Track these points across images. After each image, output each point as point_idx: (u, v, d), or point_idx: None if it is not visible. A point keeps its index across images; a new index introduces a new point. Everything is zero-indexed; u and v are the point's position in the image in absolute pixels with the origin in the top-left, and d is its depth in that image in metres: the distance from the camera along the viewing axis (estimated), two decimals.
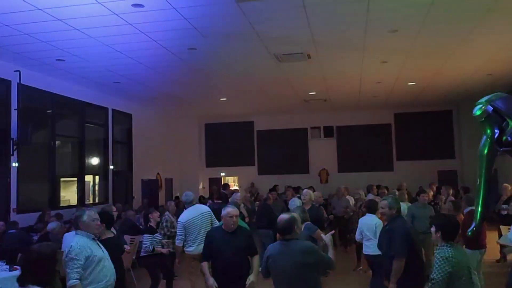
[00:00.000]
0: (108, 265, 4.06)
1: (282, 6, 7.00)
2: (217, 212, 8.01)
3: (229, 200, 7.28)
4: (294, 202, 6.81)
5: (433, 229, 3.65)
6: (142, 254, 7.26)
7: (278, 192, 13.84)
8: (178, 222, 6.38)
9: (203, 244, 5.11)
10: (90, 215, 4.11)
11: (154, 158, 15.76)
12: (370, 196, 10.32)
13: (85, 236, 4.02)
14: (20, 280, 2.85)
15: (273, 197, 10.50)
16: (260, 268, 4.08)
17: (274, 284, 3.83)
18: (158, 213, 7.80)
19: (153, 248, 7.07)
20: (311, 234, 5.48)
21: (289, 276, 3.67)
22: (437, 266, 3.45)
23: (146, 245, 7.08)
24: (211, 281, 4.64)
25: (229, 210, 4.82)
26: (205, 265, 4.78)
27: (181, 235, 6.20)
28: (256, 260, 4.76)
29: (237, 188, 17.89)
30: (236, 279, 4.58)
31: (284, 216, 3.85)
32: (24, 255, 2.95)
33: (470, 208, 6.67)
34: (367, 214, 6.77)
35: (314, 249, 3.76)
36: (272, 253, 3.81)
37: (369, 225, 6.50)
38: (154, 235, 7.25)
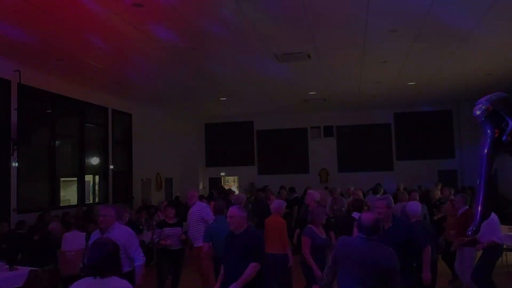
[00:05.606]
0: None
1: (282, 6, 7.01)
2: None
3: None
4: (278, 203, 6.81)
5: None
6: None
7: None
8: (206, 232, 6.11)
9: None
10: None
11: (154, 158, 15.75)
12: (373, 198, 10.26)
13: None
14: (100, 272, 2.88)
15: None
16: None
17: None
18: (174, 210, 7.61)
19: (158, 241, 7.01)
20: None
21: None
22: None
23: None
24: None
25: (230, 209, 4.62)
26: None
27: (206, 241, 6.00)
28: (249, 269, 4.27)
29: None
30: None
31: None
32: (104, 249, 2.96)
33: (465, 207, 6.80)
34: (354, 212, 6.80)
35: None
36: None
37: None
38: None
